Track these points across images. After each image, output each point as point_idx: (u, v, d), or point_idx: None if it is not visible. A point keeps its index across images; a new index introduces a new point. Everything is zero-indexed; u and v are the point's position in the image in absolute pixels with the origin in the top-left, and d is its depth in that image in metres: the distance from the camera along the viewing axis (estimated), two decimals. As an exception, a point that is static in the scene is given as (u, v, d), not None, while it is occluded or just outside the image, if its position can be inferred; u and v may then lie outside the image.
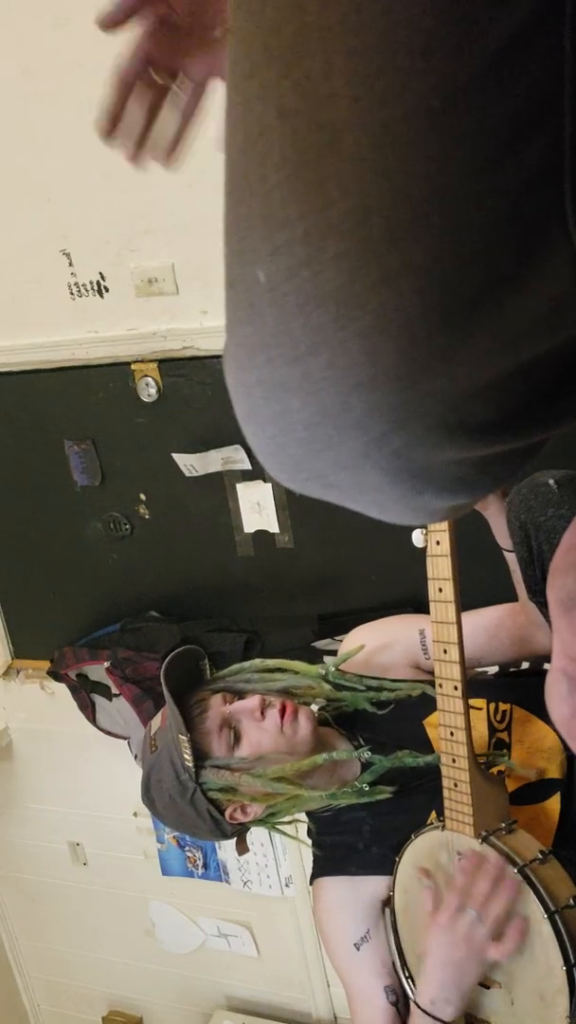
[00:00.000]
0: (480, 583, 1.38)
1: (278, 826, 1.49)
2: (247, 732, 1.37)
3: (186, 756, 1.34)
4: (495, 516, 1.34)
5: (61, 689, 2.35)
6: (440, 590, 1.25)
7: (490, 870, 1.21)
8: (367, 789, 1.40)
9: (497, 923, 1.19)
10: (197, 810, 1.38)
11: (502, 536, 1.35)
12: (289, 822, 1.51)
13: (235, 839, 1.48)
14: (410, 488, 0.36)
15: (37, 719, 2.54)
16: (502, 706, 1.42)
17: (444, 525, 1.24)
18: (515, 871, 1.20)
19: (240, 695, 1.43)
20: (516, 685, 1.47)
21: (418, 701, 1.41)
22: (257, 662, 1.51)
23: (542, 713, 1.39)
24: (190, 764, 1.34)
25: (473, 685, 1.45)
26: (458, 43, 0.27)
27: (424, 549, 1.26)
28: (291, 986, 2.55)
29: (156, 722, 1.46)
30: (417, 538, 1.27)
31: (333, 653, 1.86)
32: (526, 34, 0.27)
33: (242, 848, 1.51)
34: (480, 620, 1.50)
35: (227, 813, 1.39)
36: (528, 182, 0.29)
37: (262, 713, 1.38)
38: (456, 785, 1.26)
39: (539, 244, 0.30)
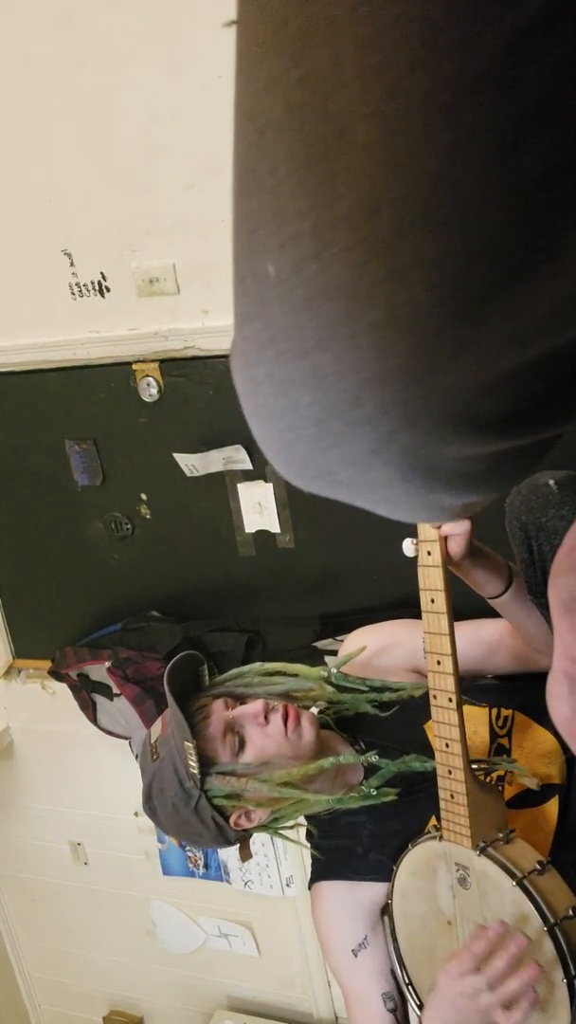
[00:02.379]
0: (474, 593, 1.36)
1: (281, 832, 1.48)
2: (251, 737, 1.37)
3: (191, 763, 1.33)
4: (469, 572, 1.31)
5: (62, 689, 2.35)
6: (432, 601, 1.23)
7: (512, 949, 1.18)
8: (375, 793, 1.39)
9: (507, 998, 1.17)
10: (201, 818, 1.37)
11: (479, 585, 1.33)
12: (291, 826, 1.50)
13: (238, 846, 1.48)
14: (420, 485, 0.36)
15: (38, 719, 2.54)
16: (504, 712, 1.41)
17: (435, 535, 1.22)
18: (513, 884, 1.19)
19: (241, 700, 1.42)
20: (518, 690, 1.46)
21: (420, 705, 1.40)
22: (257, 666, 1.50)
23: (542, 719, 1.39)
24: (195, 771, 1.33)
25: (475, 689, 1.45)
26: (469, 35, 0.27)
27: (415, 559, 1.25)
28: (292, 986, 2.55)
29: (156, 729, 1.45)
30: (407, 548, 1.25)
31: (334, 653, 1.85)
32: (539, 24, 0.27)
33: (245, 855, 1.50)
34: (482, 633, 1.49)
35: (231, 820, 1.38)
36: (541, 176, 0.29)
37: (266, 718, 1.37)
38: (452, 796, 1.25)
39: (552, 239, 0.30)
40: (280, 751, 1.35)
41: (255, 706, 1.38)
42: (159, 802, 1.40)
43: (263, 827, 1.43)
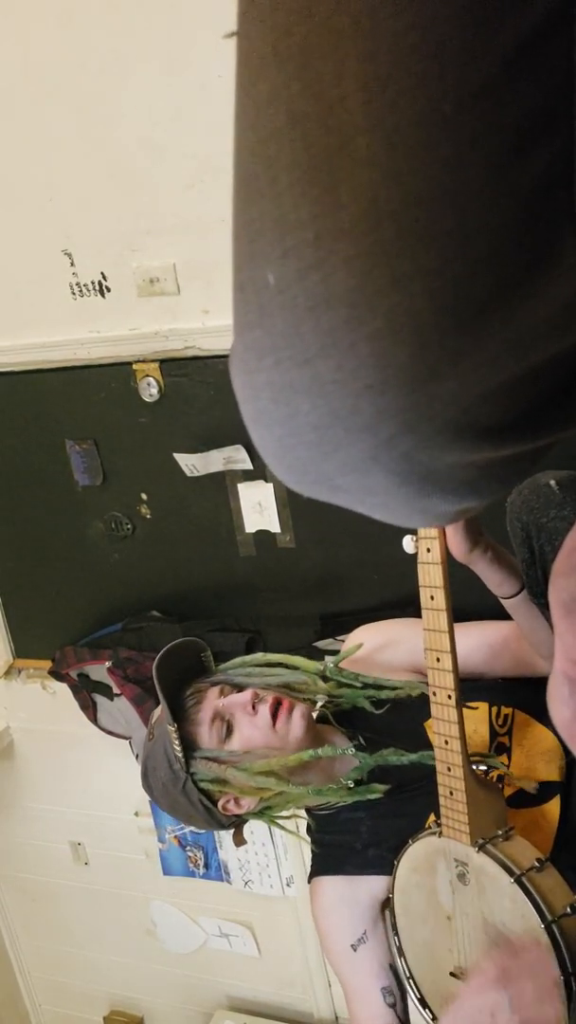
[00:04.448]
0: (473, 589, 1.37)
1: (277, 820, 1.49)
2: (239, 726, 1.38)
3: (175, 746, 1.36)
4: (484, 570, 1.31)
5: (62, 689, 2.35)
6: (432, 598, 1.24)
7: (542, 978, 1.16)
8: (351, 786, 1.40)
9: (527, 1021, 1.14)
10: (189, 800, 1.39)
11: (495, 585, 1.33)
12: (288, 817, 1.51)
13: (232, 830, 1.49)
14: (418, 491, 0.36)
15: (38, 719, 2.54)
16: (504, 710, 1.41)
17: (434, 532, 1.22)
18: (511, 880, 1.19)
19: (239, 688, 1.44)
20: (518, 688, 1.46)
21: (419, 702, 1.40)
22: (259, 656, 1.52)
23: (543, 717, 1.39)
24: (179, 754, 1.36)
25: (475, 688, 1.45)
26: (469, 48, 0.27)
27: (415, 555, 1.25)
28: (292, 986, 2.55)
29: (157, 712, 1.47)
30: (408, 544, 1.25)
31: (335, 653, 1.85)
32: (537, 39, 0.28)
33: (239, 840, 1.52)
34: (486, 636, 1.49)
35: (220, 804, 1.40)
36: (539, 186, 0.29)
37: (254, 707, 1.38)
38: (452, 793, 1.25)
39: (550, 248, 0.30)
40: (267, 742, 1.37)
41: (244, 695, 1.40)
42: (153, 781, 1.44)
43: (257, 814, 1.44)
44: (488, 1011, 1.16)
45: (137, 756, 2.23)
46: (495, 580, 1.31)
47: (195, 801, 1.39)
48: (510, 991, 1.15)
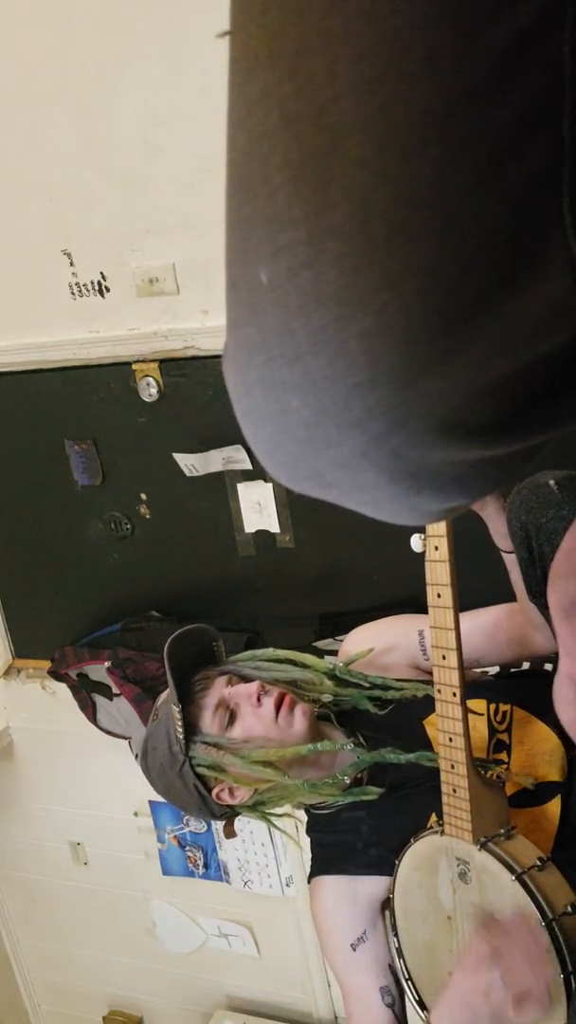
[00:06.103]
0: (479, 585, 1.38)
1: (271, 818, 1.49)
2: (243, 716, 1.39)
3: (177, 726, 1.37)
4: (492, 517, 1.33)
5: (62, 689, 2.35)
6: (439, 595, 1.24)
7: (531, 948, 1.17)
8: (347, 782, 1.40)
9: (521, 995, 1.14)
10: (184, 783, 1.40)
11: (499, 537, 1.34)
12: (282, 815, 1.51)
13: (224, 822, 1.50)
14: (408, 488, 0.36)
15: (38, 719, 2.54)
16: (502, 707, 1.42)
17: (442, 530, 1.23)
18: (513, 879, 1.19)
19: (246, 680, 1.45)
20: (517, 686, 1.46)
21: (419, 700, 1.41)
22: (270, 651, 1.52)
23: (543, 715, 1.39)
24: (180, 736, 1.37)
25: (473, 686, 1.45)
26: (460, 49, 0.28)
27: (423, 554, 1.26)
28: (292, 986, 2.55)
29: (164, 695, 1.49)
30: (415, 543, 1.26)
31: (334, 653, 1.86)
32: (527, 41, 0.28)
33: (229, 832, 1.53)
34: (478, 621, 1.50)
35: (214, 792, 1.41)
36: (528, 187, 0.29)
37: (259, 699, 1.39)
38: (455, 791, 1.25)
39: (538, 248, 0.30)
40: (267, 734, 1.37)
41: (251, 686, 1.41)
42: (152, 760, 1.45)
43: (250, 809, 1.45)
44: (482, 992, 1.17)
45: (136, 756, 2.24)
46: (501, 531, 1.32)
47: (190, 785, 1.40)
48: (501, 967, 1.16)
